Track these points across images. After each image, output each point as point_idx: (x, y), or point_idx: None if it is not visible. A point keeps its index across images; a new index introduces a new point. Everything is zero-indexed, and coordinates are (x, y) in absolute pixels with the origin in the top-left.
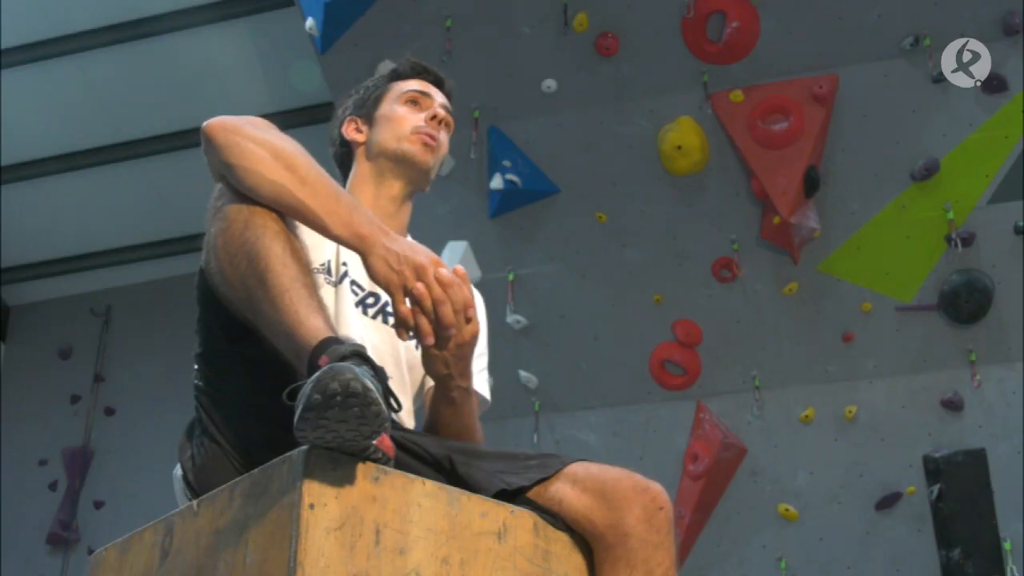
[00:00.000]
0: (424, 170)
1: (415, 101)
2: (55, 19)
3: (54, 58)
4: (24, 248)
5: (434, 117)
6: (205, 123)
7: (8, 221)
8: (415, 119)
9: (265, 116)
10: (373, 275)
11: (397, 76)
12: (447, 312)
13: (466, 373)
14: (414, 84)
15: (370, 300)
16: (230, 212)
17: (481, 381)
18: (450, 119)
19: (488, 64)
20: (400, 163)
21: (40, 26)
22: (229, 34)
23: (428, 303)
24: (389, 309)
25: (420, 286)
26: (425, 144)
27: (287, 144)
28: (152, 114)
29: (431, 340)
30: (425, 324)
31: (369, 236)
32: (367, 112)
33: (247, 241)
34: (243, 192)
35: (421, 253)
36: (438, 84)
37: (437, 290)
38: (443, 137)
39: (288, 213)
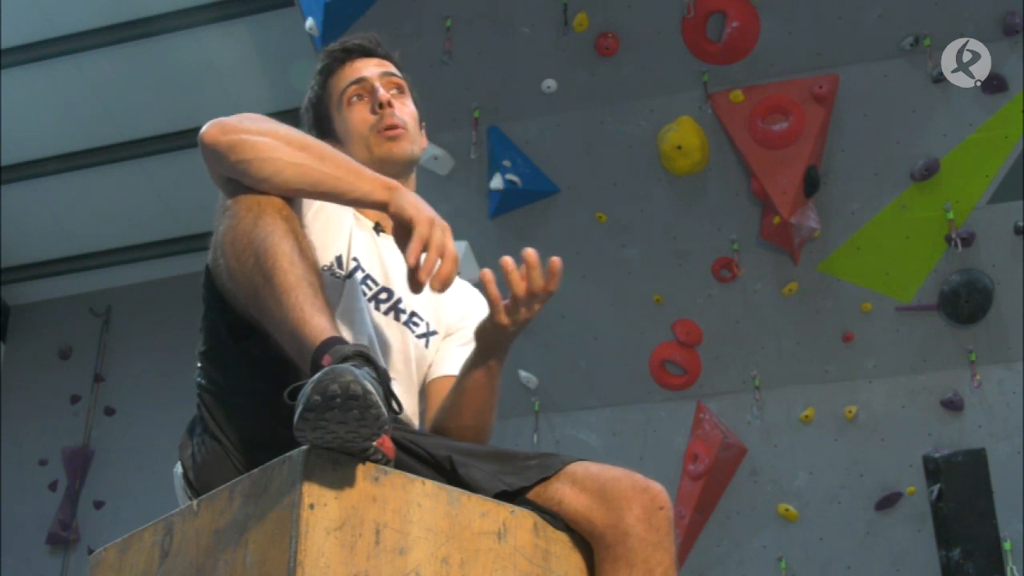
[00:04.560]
0: (406, 160)
1: (358, 95)
2: (55, 19)
3: (54, 58)
4: (24, 248)
5: (380, 104)
6: (201, 132)
7: (8, 221)
8: (365, 116)
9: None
10: (404, 210)
11: (328, 73)
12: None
13: (510, 347)
14: (346, 76)
15: (383, 296)
16: (239, 211)
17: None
18: (396, 81)
19: (488, 64)
20: (383, 165)
21: (40, 26)
22: (229, 34)
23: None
24: (401, 306)
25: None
26: (391, 138)
27: (289, 130)
28: (152, 114)
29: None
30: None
31: (398, 187)
32: (329, 130)
33: (255, 239)
34: (260, 183)
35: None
36: (367, 53)
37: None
38: (400, 110)
39: (313, 189)
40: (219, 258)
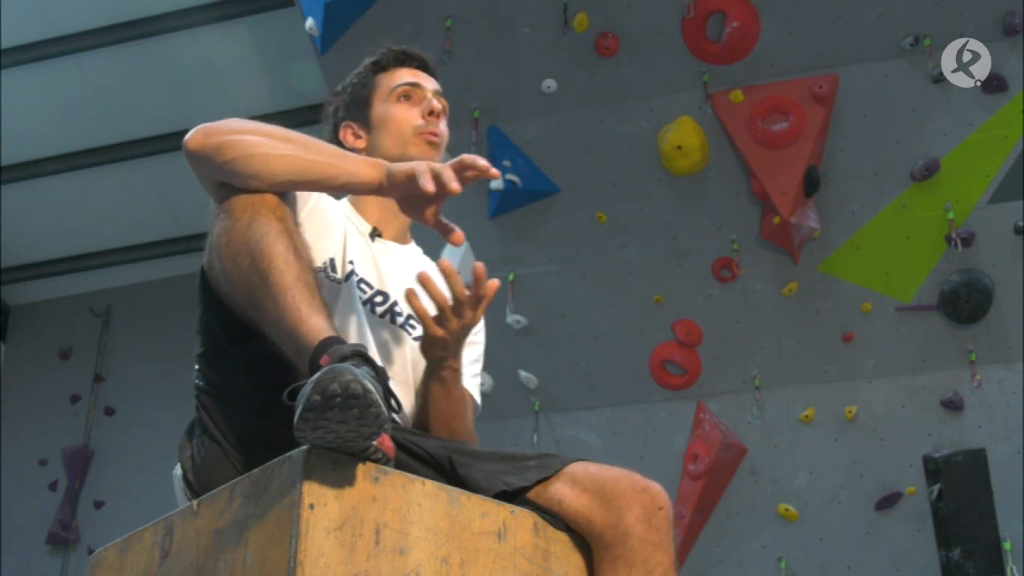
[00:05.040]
0: None
1: (407, 95)
2: (55, 19)
3: (54, 58)
4: (24, 248)
5: (432, 112)
6: (185, 140)
7: (8, 221)
8: (413, 117)
9: (265, 116)
10: (400, 172)
11: (381, 68)
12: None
13: (459, 355)
14: (401, 76)
15: (378, 299)
16: (234, 212)
17: (474, 386)
18: (445, 104)
19: (488, 64)
20: None
21: (40, 26)
22: (229, 34)
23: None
24: (398, 309)
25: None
26: (430, 143)
27: (271, 127)
28: (152, 114)
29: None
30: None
31: (381, 163)
32: (362, 115)
33: (250, 240)
34: (249, 180)
35: None
36: (423, 68)
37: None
38: (443, 127)
39: (302, 179)
40: (214, 260)
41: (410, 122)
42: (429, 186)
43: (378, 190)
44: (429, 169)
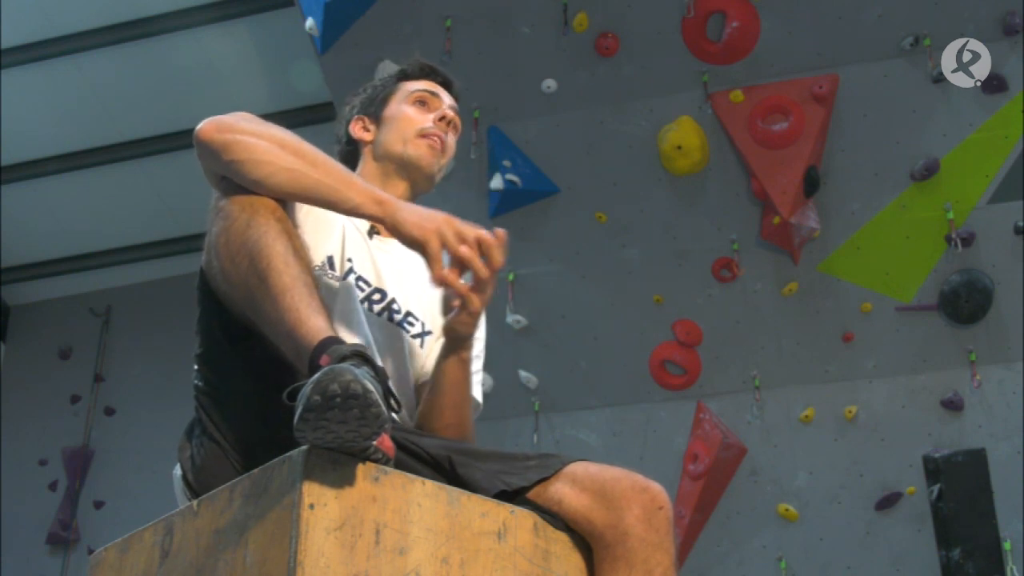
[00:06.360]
0: (429, 174)
1: (423, 102)
2: (55, 19)
3: (53, 58)
4: (24, 248)
5: (442, 118)
6: (197, 129)
7: (8, 221)
8: (422, 120)
9: (265, 116)
10: (406, 230)
11: (405, 76)
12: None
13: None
14: (422, 84)
15: (376, 297)
16: (232, 212)
17: (475, 383)
18: (458, 121)
19: (488, 64)
20: (405, 166)
21: (40, 26)
22: (229, 34)
23: (478, 257)
24: (395, 307)
25: (465, 250)
26: (431, 147)
27: (285, 133)
28: (152, 114)
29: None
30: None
31: (389, 201)
32: (375, 111)
33: (249, 240)
34: (251, 185)
35: (439, 214)
36: (446, 86)
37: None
38: (450, 139)
39: (304, 195)
40: (213, 260)
41: (418, 123)
42: (438, 273)
43: (380, 221)
44: (437, 257)
